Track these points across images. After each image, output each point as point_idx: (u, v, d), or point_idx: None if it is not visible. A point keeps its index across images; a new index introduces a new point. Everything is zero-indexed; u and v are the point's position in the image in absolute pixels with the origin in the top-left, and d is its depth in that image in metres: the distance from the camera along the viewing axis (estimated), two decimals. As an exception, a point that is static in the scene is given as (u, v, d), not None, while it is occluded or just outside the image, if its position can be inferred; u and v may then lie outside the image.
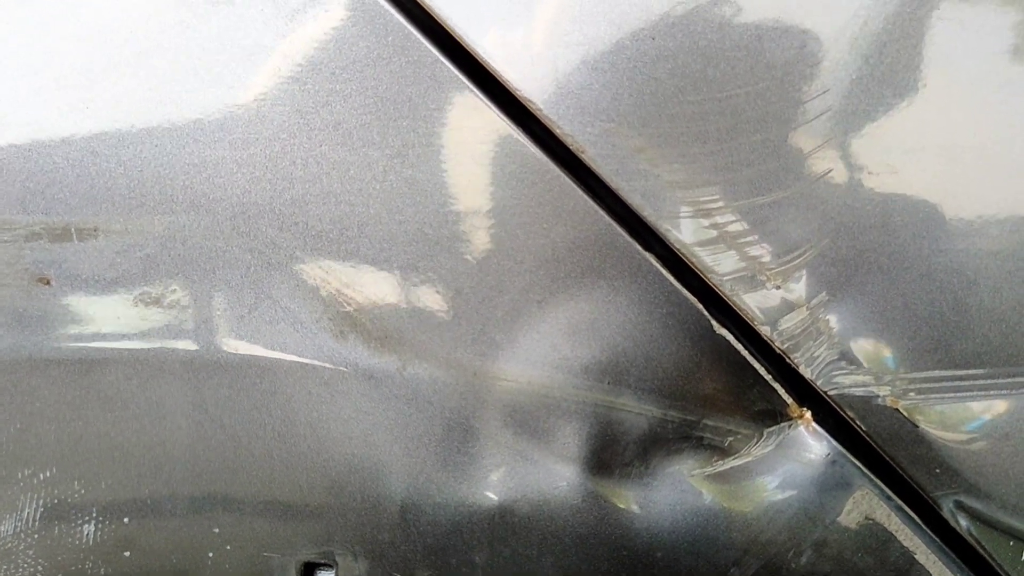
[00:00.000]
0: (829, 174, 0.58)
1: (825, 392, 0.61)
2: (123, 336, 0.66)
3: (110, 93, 0.63)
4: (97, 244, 0.65)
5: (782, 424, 0.62)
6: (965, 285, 0.58)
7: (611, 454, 0.64)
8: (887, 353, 0.60)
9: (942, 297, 0.58)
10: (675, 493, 0.64)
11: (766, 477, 0.63)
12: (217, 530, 0.68)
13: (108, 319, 0.66)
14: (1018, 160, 0.57)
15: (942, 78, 0.57)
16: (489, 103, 0.60)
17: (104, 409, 0.67)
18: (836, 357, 0.60)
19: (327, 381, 0.65)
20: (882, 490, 0.62)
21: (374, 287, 0.63)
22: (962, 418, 0.60)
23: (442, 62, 0.60)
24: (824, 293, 0.59)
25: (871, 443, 0.61)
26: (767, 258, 0.59)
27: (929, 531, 0.62)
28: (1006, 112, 0.57)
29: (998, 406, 0.60)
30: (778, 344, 0.60)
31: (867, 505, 0.62)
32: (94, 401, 0.67)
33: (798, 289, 0.59)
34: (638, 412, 0.63)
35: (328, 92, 0.62)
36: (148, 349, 0.66)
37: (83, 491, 0.69)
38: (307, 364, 0.65)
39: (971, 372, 0.59)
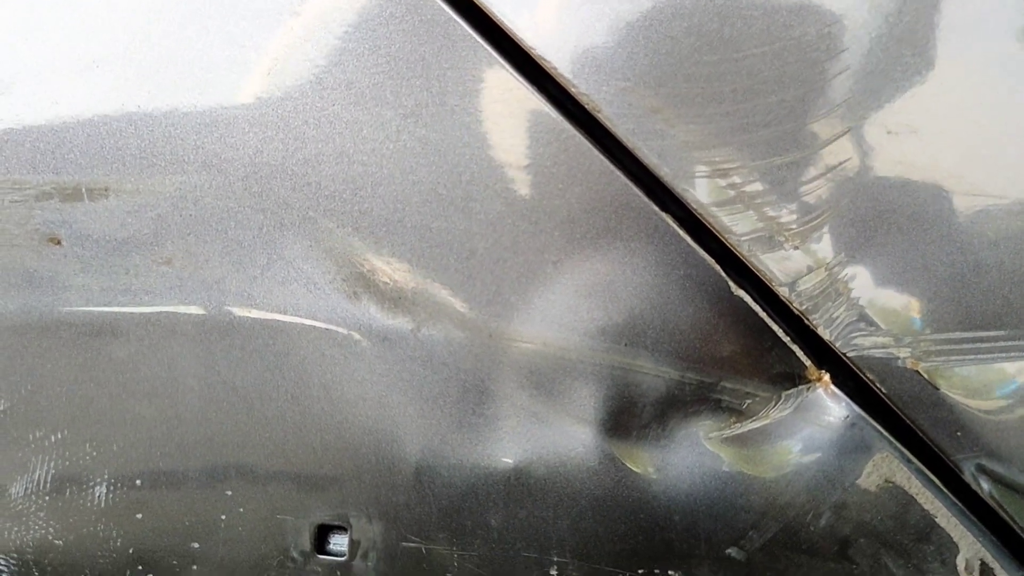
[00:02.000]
0: (848, 134, 0.66)
1: (844, 354, 0.70)
2: (134, 297, 0.76)
3: (120, 53, 0.73)
4: (108, 204, 0.74)
5: (800, 387, 0.72)
6: (986, 246, 0.67)
7: (628, 416, 0.73)
8: (907, 314, 0.69)
9: (962, 258, 0.67)
10: (693, 456, 0.73)
11: (785, 440, 0.72)
12: (230, 492, 0.78)
13: (119, 280, 0.76)
14: (1040, 119, 0.66)
15: (962, 36, 0.65)
16: (503, 62, 0.70)
17: (115, 371, 0.77)
18: (855, 318, 0.69)
19: (341, 342, 0.74)
20: (902, 453, 0.71)
21: (387, 248, 0.73)
22: (983, 380, 0.69)
23: (455, 21, 0.69)
24: (843, 254, 0.68)
25: (891, 406, 0.70)
26: (785, 218, 0.68)
27: (950, 494, 0.71)
28: (1028, 70, 0.66)
29: (1020, 368, 0.68)
30: (796, 305, 0.69)
31: (887, 468, 0.71)
32: (105, 363, 0.77)
33: (817, 250, 0.68)
34: (655, 374, 0.72)
35: (341, 51, 0.71)
36: (159, 311, 0.76)
37: (95, 453, 0.79)
38: (320, 326, 0.75)
39: (992, 333, 0.68)
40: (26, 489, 0.80)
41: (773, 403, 0.72)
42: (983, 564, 0.72)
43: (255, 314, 0.75)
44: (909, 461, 0.71)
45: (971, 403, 0.69)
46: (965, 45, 0.65)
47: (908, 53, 0.66)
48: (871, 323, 0.69)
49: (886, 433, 0.71)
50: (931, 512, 0.71)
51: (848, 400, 0.71)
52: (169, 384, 0.77)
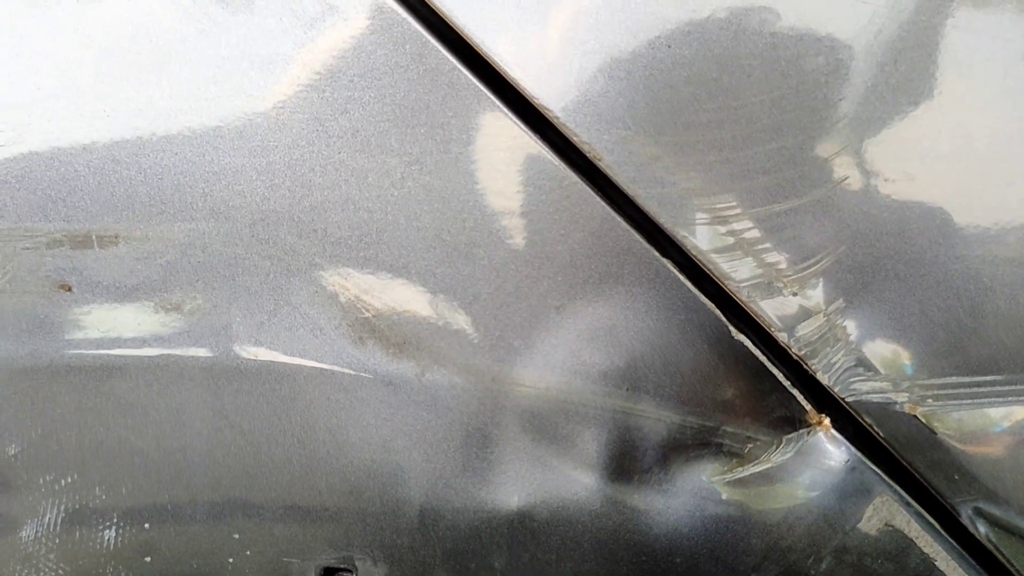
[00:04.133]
0: (845, 181, 0.68)
1: (843, 399, 0.71)
2: (143, 342, 0.78)
3: (131, 101, 0.74)
4: (118, 251, 0.76)
5: (801, 431, 0.73)
6: (982, 291, 0.69)
7: (630, 460, 0.75)
8: (904, 359, 0.70)
9: (959, 303, 0.69)
10: (694, 499, 0.75)
11: (786, 484, 0.73)
12: (237, 535, 0.80)
13: (128, 326, 0.77)
14: (1035, 167, 0.68)
15: (957, 85, 0.67)
16: (506, 110, 0.71)
17: (124, 415, 0.79)
18: (853, 363, 0.71)
19: (346, 387, 0.76)
20: (901, 496, 0.72)
21: (392, 293, 0.74)
22: (980, 424, 0.70)
23: (459, 70, 0.71)
24: (841, 300, 0.70)
25: (889, 449, 0.72)
26: (784, 265, 0.70)
27: (949, 537, 0.72)
28: (1022, 118, 0.67)
29: (1016, 412, 0.70)
30: (795, 350, 0.71)
31: (887, 511, 0.72)
32: (114, 407, 0.79)
33: (815, 296, 0.70)
34: (656, 418, 0.74)
35: (346, 100, 0.73)
36: (168, 355, 0.78)
37: (104, 496, 0.81)
38: (326, 370, 0.76)
39: (988, 378, 0.70)
40: (36, 532, 0.82)
41: (774, 447, 0.74)
42: (982, 606, 0.73)
43: (262, 358, 0.77)
44: (908, 504, 0.72)
45: (967, 446, 0.71)
46: (960, 94, 0.67)
47: (904, 101, 0.67)
48: (869, 368, 0.71)
49: (885, 477, 0.72)
50: (931, 555, 0.73)
51: (848, 444, 0.73)
52: (177, 427, 0.78)
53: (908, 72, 0.67)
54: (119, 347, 0.78)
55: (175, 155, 0.75)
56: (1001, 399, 0.70)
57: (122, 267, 0.77)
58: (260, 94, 0.74)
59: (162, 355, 0.78)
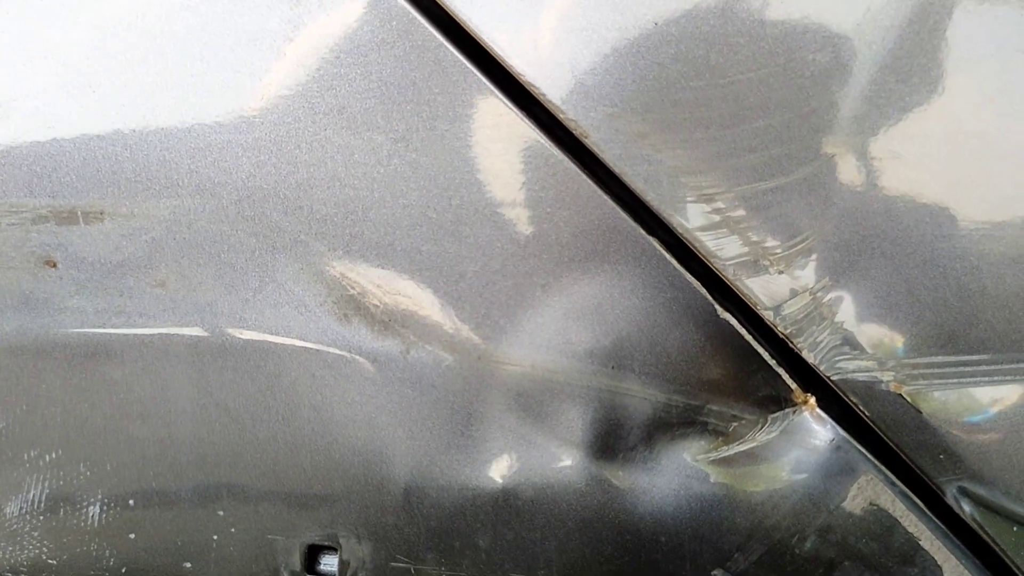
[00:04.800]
0: (832, 160, 0.68)
1: (828, 377, 0.71)
2: (128, 319, 0.78)
3: (117, 77, 0.75)
4: (103, 227, 0.76)
5: (786, 410, 0.73)
6: (968, 271, 0.69)
7: (615, 439, 0.75)
8: (890, 339, 0.70)
9: (945, 283, 0.69)
10: (679, 478, 0.75)
11: (771, 463, 0.73)
12: (222, 513, 0.80)
13: (114, 302, 0.77)
14: (1021, 146, 0.67)
15: (946, 64, 0.67)
16: (493, 88, 0.71)
17: (109, 392, 0.79)
18: (839, 342, 0.71)
19: (331, 364, 0.76)
20: (886, 476, 0.72)
21: (378, 271, 0.75)
22: (965, 404, 0.71)
23: (446, 47, 0.71)
24: (827, 278, 0.70)
25: (875, 429, 0.72)
26: (770, 243, 0.70)
27: (933, 517, 0.73)
28: (1010, 99, 0.67)
29: (1001, 392, 0.70)
30: (781, 329, 0.71)
31: (871, 491, 0.72)
32: (99, 384, 0.79)
33: (801, 274, 0.70)
34: (642, 397, 0.74)
35: (333, 77, 0.73)
36: (153, 333, 0.78)
37: (88, 473, 0.81)
38: (311, 347, 0.77)
39: (975, 358, 0.70)
40: (20, 509, 0.82)
41: (759, 426, 0.74)
42: (967, 586, 0.73)
43: (247, 336, 0.77)
44: (893, 484, 0.72)
45: (952, 426, 0.71)
46: (950, 73, 0.67)
47: (892, 80, 0.67)
48: (855, 347, 0.71)
49: (870, 456, 0.73)
50: (915, 535, 0.73)
51: (833, 423, 0.73)
52: (162, 405, 0.78)
53: (896, 51, 0.67)
54: (104, 324, 0.78)
55: (161, 131, 0.75)
56: (987, 378, 0.70)
57: (107, 243, 0.77)
58: (246, 71, 0.74)
59: (147, 332, 0.78)
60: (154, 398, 0.79)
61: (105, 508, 0.81)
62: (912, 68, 0.67)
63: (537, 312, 0.74)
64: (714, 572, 0.75)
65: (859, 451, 0.73)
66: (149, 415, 0.79)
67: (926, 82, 0.67)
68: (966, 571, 0.73)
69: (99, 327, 0.78)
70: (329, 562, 0.81)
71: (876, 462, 0.73)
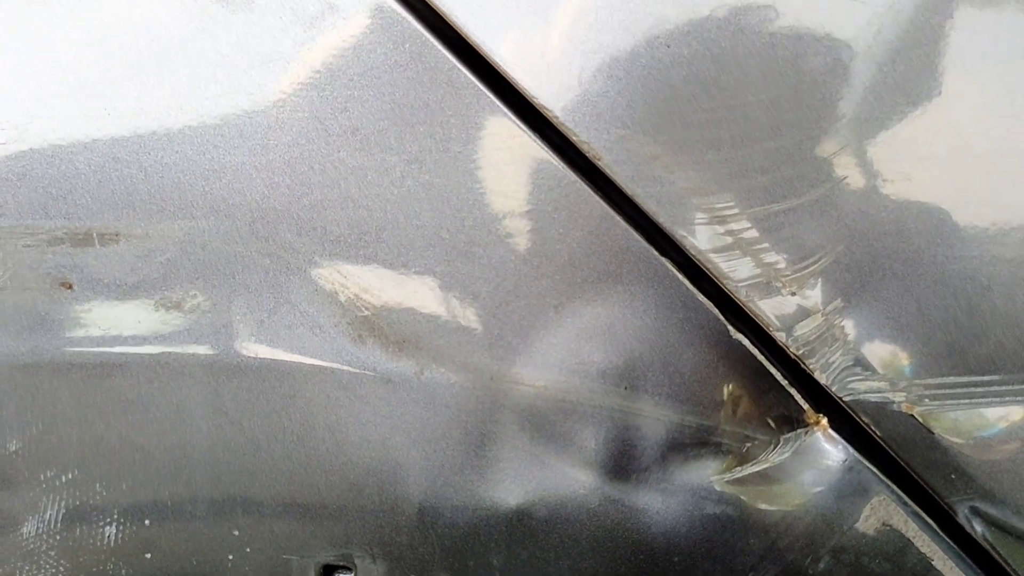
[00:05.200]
0: (843, 181, 0.69)
1: (840, 398, 0.72)
2: (143, 340, 0.78)
3: (131, 99, 0.75)
4: (118, 249, 0.77)
5: (799, 430, 0.73)
6: (979, 291, 0.69)
7: (628, 459, 0.75)
8: (902, 359, 0.71)
9: (956, 303, 0.69)
10: (693, 498, 0.75)
11: (784, 483, 0.74)
12: (237, 532, 0.80)
13: (129, 323, 0.78)
14: (1032, 166, 0.68)
15: (955, 85, 0.67)
16: (506, 110, 0.72)
17: (125, 412, 0.79)
18: (851, 363, 0.71)
19: (346, 385, 0.76)
20: (899, 496, 0.73)
21: (392, 292, 0.75)
22: (976, 424, 0.71)
23: (459, 69, 0.72)
24: (839, 299, 0.70)
25: (887, 449, 0.72)
26: (782, 264, 0.70)
27: (946, 537, 0.73)
28: (1020, 118, 0.67)
29: (1013, 412, 0.70)
30: (793, 350, 0.71)
31: (884, 511, 0.72)
32: (115, 404, 0.79)
33: (813, 295, 0.70)
34: (655, 417, 0.74)
35: (346, 98, 0.73)
36: (168, 353, 0.78)
37: (104, 493, 0.81)
38: (326, 368, 0.77)
39: (986, 378, 0.70)
40: (37, 529, 0.82)
41: (772, 446, 0.74)
42: (979, 606, 0.73)
43: (262, 356, 0.77)
44: (905, 504, 0.73)
45: (964, 446, 0.71)
46: (959, 93, 0.67)
47: (902, 101, 0.68)
48: (867, 367, 0.71)
49: (883, 476, 0.73)
50: (928, 555, 0.73)
51: (845, 443, 0.73)
52: (178, 425, 0.79)
53: (906, 72, 0.67)
54: (119, 344, 0.78)
55: (175, 153, 0.75)
56: (998, 399, 0.70)
57: (123, 264, 0.77)
58: (260, 92, 0.74)
59: (162, 352, 0.79)
60: (170, 418, 0.79)
61: (121, 527, 0.82)
62: (922, 89, 0.67)
63: (550, 332, 0.74)
64: (727, 592, 0.76)
65: (871, 471, 0.73)
66: (164, 434, 0.79)
67: (936, 103, 0.68)
68: (978, 591, 0.73)
69: (114, 347, 0.79)
70: (344, 582, 0.82)
71: (888, 482, 0.73)
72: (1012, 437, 0.71)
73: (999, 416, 0.71)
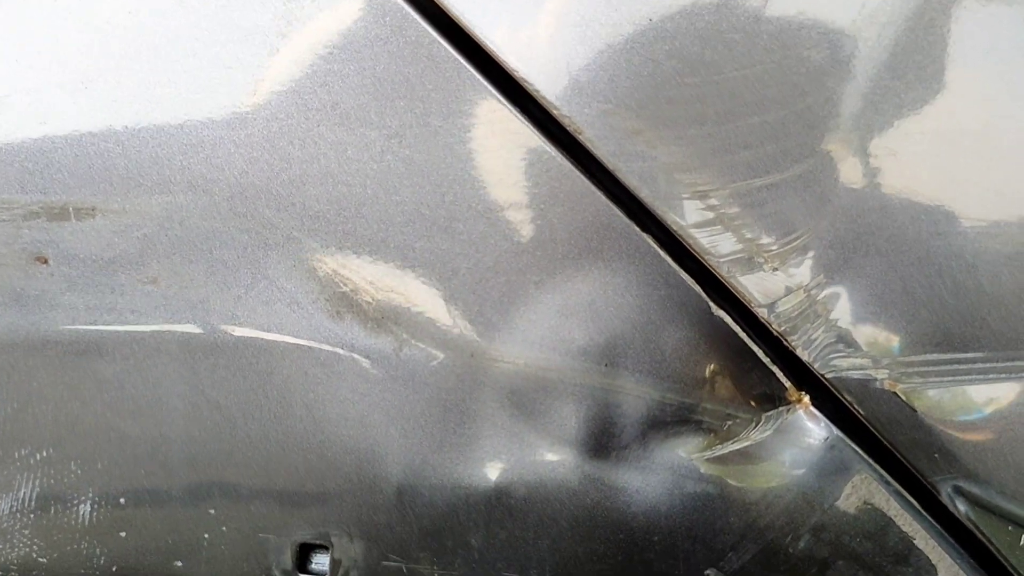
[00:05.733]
0: (828, 156, 0.68)
1: (823, 375, 0.71)
2: (120, 316, 0.77)
3: (109, 74, 0.74)
4: (95, 224, 0.76)
5: (780, 408, 0.73)
6: (964, 268, 0.68)
7: (609, 437, 0.74)
8: (885, 336, 0.70)
9: (941, 281, 0.69)
10: (673, 477, 0.74)
11: (765, 462, 0.73)
12: (213, 511, 0.79)
13: (105, 299, 0.77)
14: (1018, 144, 0.67)
15: (944, 61, 0.67)
16: (487, 84, 0.71)
17: (100, 390, 0.79)
18: (834, 340, 0.70)
19: (323, 362, 0.76)
20: (880, 475, 0.72)
21: (371, 268, 0.74)
22: (960, 403, 0.70)
23: (440, 43, 0.71)
24: (822, 275, 0.70)
25: (869, 427, 0.72)
26: (765, 240, 0.70)
27: (928, 516, 0.72)
28: (1010, 96, 0.67)
29: (997, 390, 0.70)
30: (775, 327, 0.71)
31: (866, 490, 0.72)
32: (91, 382, 0.79)
33: (796, 272, 0.70)
34: (636, 395, 0.73)
35: (326, 72, 0.72)
36: (144, 330, 0.77)
37: (79, 471, 0.80)
38: (304, 345, 0.76)
39: (969, 356, 0.69)
40: (11, 507, 0.81)
41: (753, 424, 0.74)
42: (962, 586, 0.73)
43: (239, 333, 0.77)
44: (887, 483, 0.72)
45: (947, 425, 0.70)
46: (946, 69, 0.67)
47: (888, 77, 0.67)
48: (849, 344, 0.71)
49: (864, 455, 0.72)
50: (910, 534, 0.72)
51: (827, 421, 0.73)
52: (154, 403, 0.78)
53: (894, 48, 0.67)
54: (95, 321, 0.78)
55: (154, 128, 0.75)
56: (982, 376, 0.70)
57: (99, 240, 0.76)
58: (239, 67, 0.73)
59: (139, 329, 0.78)
60: (145, 396, 0.78)
61: (96, 506, 0.81)
62: (909, 65, 0.67)
63: (530, 309, 0.74)
64: (707, 571, 0.75)
65: (853, 450, 0.72)
66: (140, 413, 0.79)
67: (922, 79, 0.67)
68: (961, 571, 0.73)
69: (90, 324, 0.78)
70: (321, 561, 0.80)
71: (870, 461, 0.72)
72: (996, 416, 0.70)
73: (983, 395, 0.70)
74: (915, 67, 0.67)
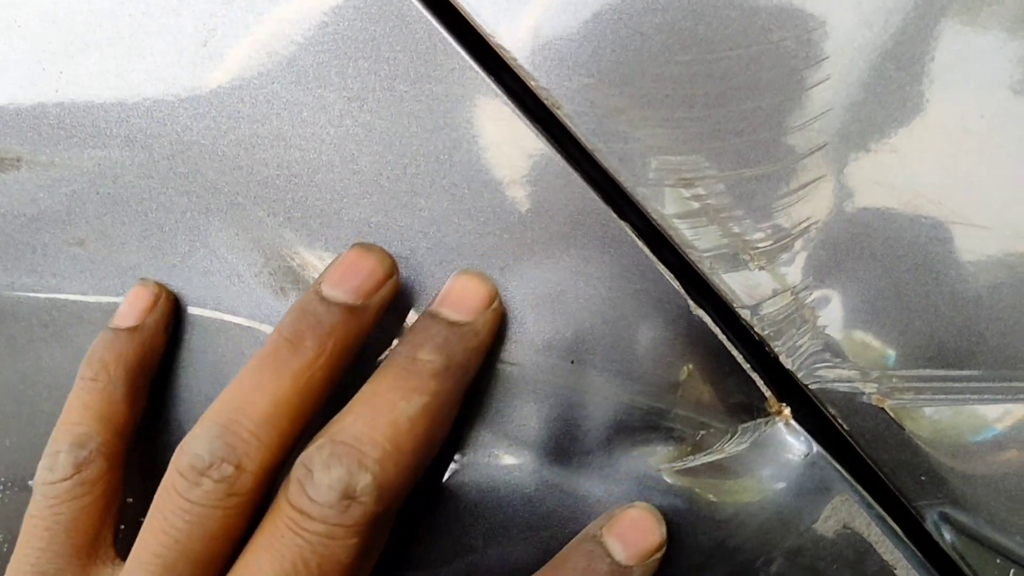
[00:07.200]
0: (823, 148, 0.63)
1: (806, 386, 0.66)
2: (40, 279, 0.71)
3: (45, 12, 0.68)
4: (19, 176, 0.70)
5: (759, 420, 0.68)
6: (963, 279, 0.64)
7: (570, 440, 0.69)
8: (876, 347, 0.65)
9: (938, 290, 0.64)
10: (638, 488, 0.69)
11: (739, 477, 0.68)
12: (131, 500, 0.73)
13: (25, 259, 0.71)
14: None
15: (953, 51, 0.62)
16: (459, 48, 0.66)
17: (14, 359, 0.73)
18: (820, 348, 0.65)
19: (262, 341, 0.70)
20: (863, 496, 0.67)
21: (321, 241, 0.69)
22: (953, 424, 0.65)
23: (410, 1, 0.66)
24: (811, 277, 0.65)
25: (853, 445, 0.67)
26: (752, 236, 0.65)
27: (910, 544, 0.67)
28: (1016, 95, 0.62)
29: (991, 412, 0.65)
30: (758, 330, 0.66)
31: (846, 512, 0.67)
32: (3, 351, 0.73)
33: (784, 272, 0.65)
34: (603, 396, 0.68)
35: (283, 25, 0.67)
36: (66, 297, 0.71)
37: (-14, 448, 0.74)
38: (242, 323, 0.70)
39: (964, 374, 0.65)
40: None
41: (729, 436, 0.69)
42: (943, 619, 0.68)
43: (172, 306, 0.71)
44: (870, 506, 0.67)
45: (936, 447, 0.66)
46: (954, 62, 0.62)
47: (892, 67, 0.62)
48: (837, 354, 0.66)
49: (847, 474, 0.67)
50: (890, 563, 0.67)
51: (808, 436, 0.68)
52: (73, 376, 0.71)
53: (898, 35, 0.62)
54: (12, 284, 0.72)
55: (90, 74, 0.69)
56: (976, 397, 0.65)
57: (23, 194, 0.71)
58: (189, 12, 0.68)
59: (60, 296, 0.72)
60: (64, 368, 0.73)
61: (3, 487, 0.75)
62: (915, 55, 0.62)
63: (493, 296, 0.68)
64: (670, 592, 0.70)
65: (835, 468, 0.67)
66: (57, 387, 0.73)
67: (929, 71, 0.62)
68: (943, 604, 0.68)
69: (7, 288, 0.72)
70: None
71: (852, 481, 0.67)
72: (989, 440, 0.66)
73: (977, 416, 0.65)
74: (922, 57, 0.62)
